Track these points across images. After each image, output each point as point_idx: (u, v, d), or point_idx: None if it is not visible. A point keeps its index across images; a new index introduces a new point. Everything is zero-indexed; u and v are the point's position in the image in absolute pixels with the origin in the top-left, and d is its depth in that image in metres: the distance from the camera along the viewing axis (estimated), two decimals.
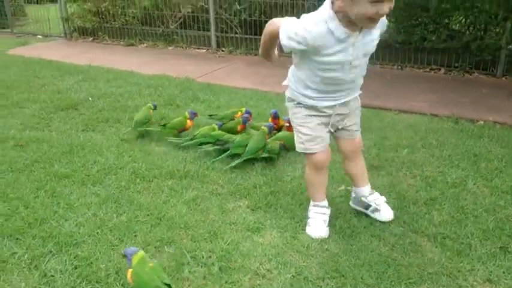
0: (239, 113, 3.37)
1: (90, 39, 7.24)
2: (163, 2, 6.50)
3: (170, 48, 6.63)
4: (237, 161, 2.81)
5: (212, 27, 6.30)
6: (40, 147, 3.07)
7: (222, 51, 6.30)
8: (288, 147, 3.00)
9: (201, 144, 3.00)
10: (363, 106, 4.01)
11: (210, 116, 3.48)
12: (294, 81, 2.05)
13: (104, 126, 3.47)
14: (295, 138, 2.15)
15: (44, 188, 2.51)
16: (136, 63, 5.59)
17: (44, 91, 4.36)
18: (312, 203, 2.22)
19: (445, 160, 2.95)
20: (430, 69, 5.22)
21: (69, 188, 2.54)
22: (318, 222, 2.17)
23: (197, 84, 4.67)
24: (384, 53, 5.43)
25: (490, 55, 4.86)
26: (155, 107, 3.41)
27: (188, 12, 6.43)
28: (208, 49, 6.44)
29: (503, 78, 4.92)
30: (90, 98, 4.11)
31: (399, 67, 5.38)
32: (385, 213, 2.25)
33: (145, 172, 2.71)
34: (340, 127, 2.15)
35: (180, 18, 6.53)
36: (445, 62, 5.13)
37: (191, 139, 3.05)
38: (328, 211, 2.22)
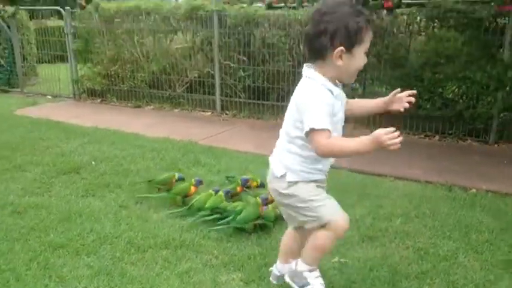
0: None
1: (99, 100, 7.51)
2: (171, 67, 6.80)
3: (176, 110, 6.84)
4: (222, 226, 2.90)
5: (217, 92, 6.53)
6: (38, 213, 3.13)
7: (226, 114, 6.50)
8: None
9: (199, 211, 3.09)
10: (360, 172, 4.12)
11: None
12: (301, 162, 2.00)
13: (104, 191, 3.56)
14: (307, 218, 2.06)
15: (37, 259, 2.55)
16: (142, 125, 5.77)
17: (48, 153, 4.49)
18: (309, 267, 2.16)
19: (438, 231, 2.99)
20: (425, 136, 5.35)
21: (62, 258, 2.57)
22: (320, 286, 2.16)
23: (200, 147, 4.80)
24: (380, 119, 5.59)
25: (482, 123, 5.01)
26: (199, 183, 3.38)
27: (195, 77, 6.69)
28: (213, 112, 6.64)
29: (495, 146, 5.02)
30: (93, 162, 4.23)
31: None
32: None
33: (141, 241, 2.76)
34: None
35: (186, 82, 6.79)
36: (440, 129, 5.25)
37: (189, 208, 3.13)
38: None
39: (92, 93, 7.60)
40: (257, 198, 3.01)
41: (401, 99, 2.16)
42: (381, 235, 2.93)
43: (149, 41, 6.93)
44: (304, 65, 1.96)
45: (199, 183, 3.35)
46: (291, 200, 2.06)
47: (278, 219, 2.99)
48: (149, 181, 3.50)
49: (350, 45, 1.83)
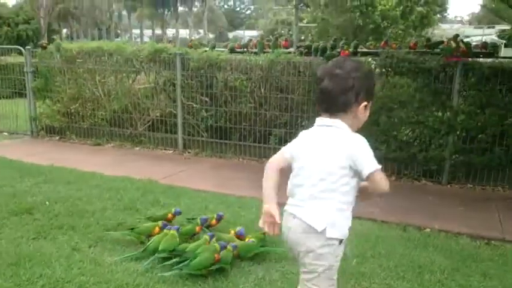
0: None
1: (57, 137, 7.35)
2: (133, 106, 6.79)
3: (137, 148, 6.79)
4: (175, 272, 2.85)
5: (179, 130, 6.55)
6: None
7: (189, 152, 6.50)
8: (241, 256, 3.05)
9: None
10: None
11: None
12: (345, 215, 1.97)
13: (56, 233, 3.44)
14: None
15: None
16: (100, 164, 5.67)
17: (0, 194, 4.33)
18: None
19: (392, 271, 3.05)
20: None
21: None
22: None
23: (160, 187, 4.75)
24: None
25: (435, 165, 5.23)
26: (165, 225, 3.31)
27: (157, 116, 6.70)
28: (175, 150, 6.63)
29: (448, 186, 5.24)
30: (47, 202, 4.10)
31: None
32: None
33: (93, 286, 2.67)
34: None
35: (148, 121, 6.79)
36: (395, 170, 5.45)
37: (144, 250, 3.07)
38: None
39: (51, 131, 7.45)
40: (216, 244, 2.98)
41: None
42: (338, 276, 2.94)
43: (111, 80, 6.94)
44: (323, 115, 1.99)
45: (165, 226, 3.28)
46: (322, 263, 1.94)
47: (235, 261, 2.99)
48: (147, 218, 3.48)
49: (370, 100, 1.99)
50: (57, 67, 7.17)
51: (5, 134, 7.74)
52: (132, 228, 3.31)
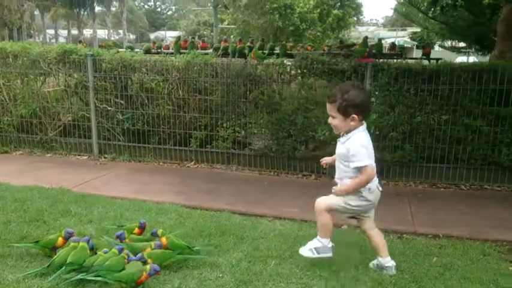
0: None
1: None
2: (43, 111, 6.35)
3: (48, 155, 6.37)
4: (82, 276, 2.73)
5: (94, 135, 6.24)
6: None
7: (105, 158, 6.21)
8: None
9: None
10: (240, 214, 4.17)
11: None
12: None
13: None
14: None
15: None
16: (6, 173, 5.24)
17: None
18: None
19: (309, 270, 3.09)
20: (303, 175, 5.65)
21: None
22: None
23: (71, 196, 4.47)
24: (261, 160, 5.80)
25: None
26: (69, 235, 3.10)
27: (69, 121, 6.33)
28: (89, 156, 6.30)
29: None
30: None
31: (275, 173, 5.74)
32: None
33: None
34: None
35: (60, 126, 6.39)
36: (315, 169, 5.59)
37: (49, 265, 2.84)
38: None
39: None
40: (123, 254, 2.87)
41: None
42: (255, 279, 2.94)
43: (17, 83, 6.45)
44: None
45: (69, 235, 3.08)
46: None
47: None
48: (35, 242, 3.10)
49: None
50: None
51: None
52: (36, 241, 3.06)
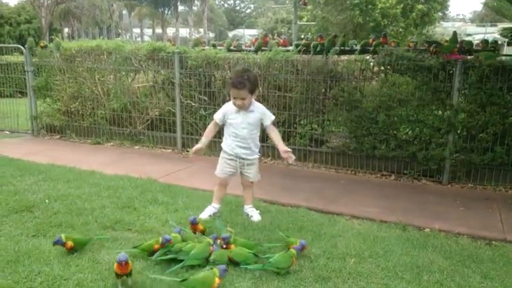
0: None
1: (58, 136, 7.36)
2: (132, 105, 6.79)
3: (136, 147, 6.79)
4: (175, 267, 2.86)
5: (178, 129, 6.55)
6: None
7: (187, 151, 6.49)
8: (235, 261, 3.01)
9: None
10: (317, 211, 4.18)
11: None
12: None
13: (56, 231, 3.44)
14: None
15: None
16: (100, 163, 5.68)
17: (1, 192, 4.33)
18: None
19: (390, 271, 3.04)
20: (382, 175, 5.51)
21: None
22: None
23: (158, 185, 4.75)
24: (338, 159, 5.74)
25: (435, 164, 5.20)
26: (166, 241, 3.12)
27: (156, 115, 6.70)
28: (173, 149, 6.63)
29: (449, 186, 5.22)
30: (47, 200, 4.10)
31: (352, 172, 5.66)
32: (255, 217, 3.86)
33: (90, 284, 2.67)
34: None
35: (147, 120, 6.79)
36: (395, 169, 5.44)
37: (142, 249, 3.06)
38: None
39: (51, 129, 7.46)
40: (208, 238, 3.05)
41: (286, 156, 3.79)
42: (334, 276, 2.95)
43: (110, 79, 6.94)
44: None
45: (166, 241, 3.06)
46: None
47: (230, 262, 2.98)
48: (134, 247, 3.15)
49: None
50: (57, 66, 7.17)
51: (7, 132, 7.76)
52: (136, 246, 3.15)
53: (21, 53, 7.63)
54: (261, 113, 3.84)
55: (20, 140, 7.27)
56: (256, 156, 3.97)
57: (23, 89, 7.79)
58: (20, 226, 3.54)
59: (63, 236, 3.06)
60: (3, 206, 3.93)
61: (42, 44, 7.46)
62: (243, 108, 3.76)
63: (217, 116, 3.90)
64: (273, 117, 3.89)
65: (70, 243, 3.04)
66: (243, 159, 3.89)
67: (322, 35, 6.28)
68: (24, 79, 7.57)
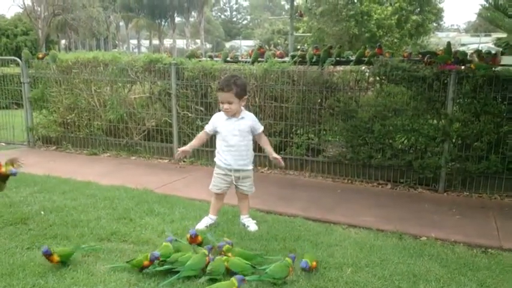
0: None
1: (54, 147, 7.36)
2: (129, 116, 6.80)
3: (133, 158, 6.78)
4: (171, 278, 2.84)
5: (175, 140, 6.56)
6: None
7: (184, 161, 6.49)
8: (232, 271, 3.00)
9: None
10: (314, 220, 4.17)
11: None
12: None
13: (51, 243, 3.41)
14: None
15: None
16: (96, 174, 5.67)
17: None
18: None
19: (387, 280, 3.03)
20: (378, 184, 5.52)
21: None
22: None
23: (154, 196, 4.74)
24: (335, 168, 5.76)
25: (431, 172, 5.22)
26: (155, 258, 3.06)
27: (152, 126, 6.71)
28: (170, 159, 6.63)
29: (445, 194, 5.23)
30: (42, 212, 4.09)
31: (349, 181, 5.67)
32: (252, 227, 3.85)
33: None
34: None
35: (144, 131, 6.80)
36: (391, 178, 5.46)
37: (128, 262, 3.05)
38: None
39: (47, 141, 7.46)
40: (203, 249, 3.04)
41: (275, 161, 3.93)
42: (331, 285, 2.94)
43: (107, 90, 6.96)
44: None
45: (154, 257, 3.02)
46: None
47: (227, 273, 2.96)
48: (127, 262, 3.10)
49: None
50: (54, 77, 7.19)
51: (2, 144, 7.75)
52: (128, 261, 3.08)
53: (18, 64, 7.65)
54: (252, 120, 3.85)
55: (16, 151, 7.24)
56: (251, 167, 3.95)
57: (19, 100, 7.79)
58: (15, 238, 3.52)
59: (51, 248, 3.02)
60: None
61: (40, 55, 7.49)
62: (230, 112, 3.74)
63: (208, 127, 3.94)
64: (262, 127, 3.95)
65: (56, 258, 2.96)
66: (237, 170, 3.87)
67: (317, 46, 6.33)
68: (20, 91, 7.58)
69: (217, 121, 3.85)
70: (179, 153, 3.96)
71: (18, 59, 7.54)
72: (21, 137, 7.76)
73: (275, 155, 3.90)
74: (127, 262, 3.07)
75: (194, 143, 3.99)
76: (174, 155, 6.54)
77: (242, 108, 3.82)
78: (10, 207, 4.21)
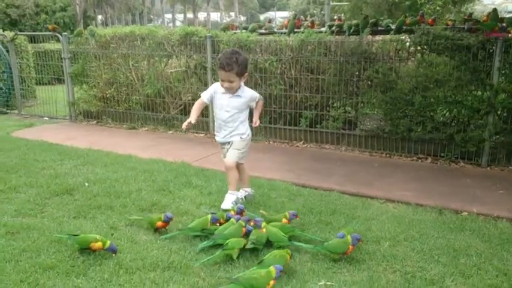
0: None
1: (94, 122, 7.57)
2: (166, 90, 6.88)
3: (170, 132, 6.89)
4: (205, 243, 2.96)
5: (210, 114, 6.59)
6: (30, 235, 3.15)
7: None
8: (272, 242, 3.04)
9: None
10: (351, 194, 4.14)
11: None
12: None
13: (95, 213, 3.58)
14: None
15: (28, 280, 2.57)
16: (135, 147, 5.81)
17: (42, 175, 4.51)
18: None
19: (426, 254, 3.00)
20: (418, 158, 5.40)
21: (52, 280, 2.59)
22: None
23: (192, 169, 4.83)
24: (372, 142, 5.66)
25: (474, 146, 5.04)
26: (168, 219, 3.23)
27: (188, 100, 6.77)
28: (206, 133, 6.69)
29: (488, 169, 5.06)
30: (86, 183, 4.26)
31: (387, 155, 5.57)
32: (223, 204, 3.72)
33: (129, 263, 2.77)
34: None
35: (180, 105, 6.87)
36: (432, 152, 5.31)
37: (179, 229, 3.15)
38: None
39: (88, 115, 7.67)
40: (240, 221, 3.10)
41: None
42: (369, 258, 2.93)
43: (144, 65, 7.04)
44: None
45: (168, 218, 3.20)
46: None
47: (267, 243, 3.00)
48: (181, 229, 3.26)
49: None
50: (92, 52, 7.33)
51: (46, 118, 8.03)
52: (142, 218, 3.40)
53: (58, 40, 7.83)
54: (248, 98, 3.80)
55: (59, 125, 7.51)
56: (238, 139, 3.84)
57: (61, 76, 8.02)
58: (62, 208, 3.69)
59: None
60: (45, 189, 4.10)
61: (50, 27, 8.28)
62: (231, 90, 3.73)
63: (205, 95, 3.86)
64: (261, 97, 3.92)
65: (99, 244, 2.86)
66: (223, 143, 3.93)
67: (340, 17, 6.14)
68: (61, 66, 7.79)
69: (215, 92, 3.82)
70: (183, 127, 3.77)
71: (59, 35, 7.71)
72: (63, 112, 8.02)
73: (257, 124, 3.89)
74: (142, 218, 3.34)
75: (194, 115, 3.81)
76: (210, 129, 6.62)
77: (241, 84, 3.77)
78: (56, 179, 4.39)
